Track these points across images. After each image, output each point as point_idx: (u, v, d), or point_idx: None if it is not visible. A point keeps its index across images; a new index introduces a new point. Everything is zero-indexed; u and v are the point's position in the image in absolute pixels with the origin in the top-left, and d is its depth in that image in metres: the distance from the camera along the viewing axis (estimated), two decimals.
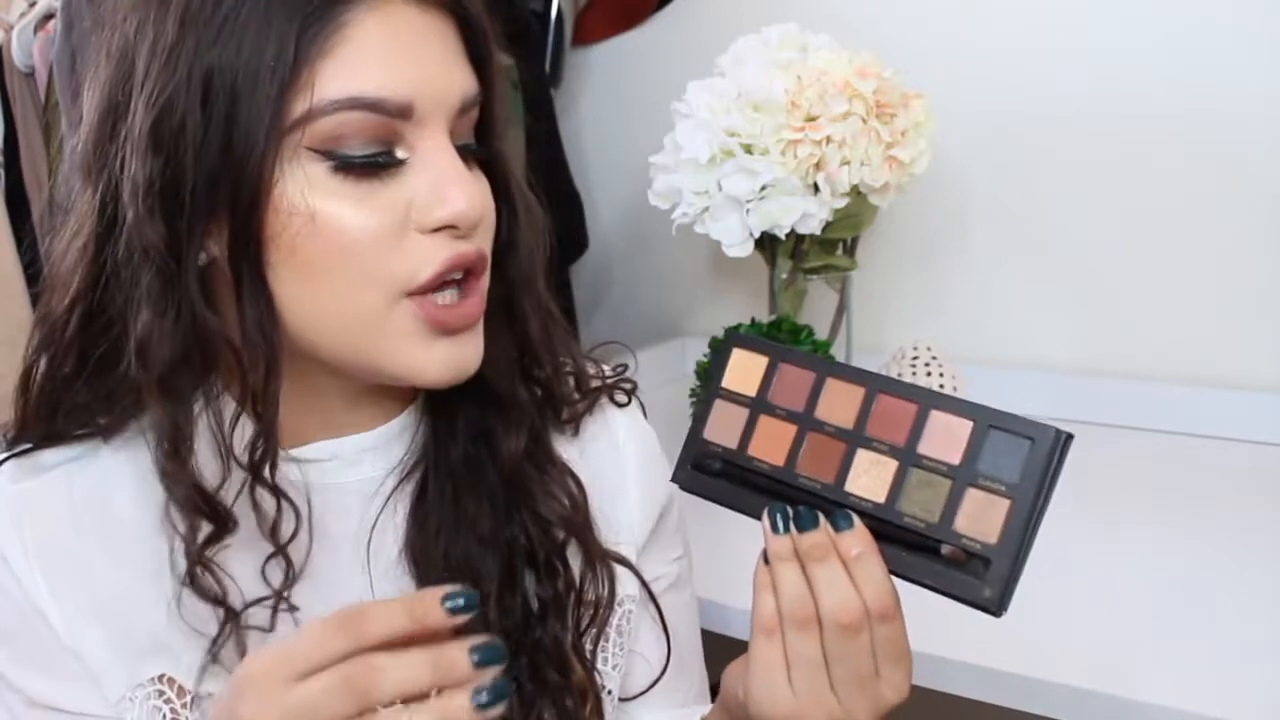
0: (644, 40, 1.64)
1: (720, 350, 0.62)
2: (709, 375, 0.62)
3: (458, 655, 0.47)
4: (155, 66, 0.57)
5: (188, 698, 0.62)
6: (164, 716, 0.62)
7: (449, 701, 0.47)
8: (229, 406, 0.61)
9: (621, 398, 0.75)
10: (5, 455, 0.64)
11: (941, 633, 0.76)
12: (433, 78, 0.59)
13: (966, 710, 0.88)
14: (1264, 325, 1.28)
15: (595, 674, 0.70)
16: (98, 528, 0.62)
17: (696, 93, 1.15)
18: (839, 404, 0.57)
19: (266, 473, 0.61)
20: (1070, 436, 0.52)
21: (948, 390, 1.22)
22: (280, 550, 0.62)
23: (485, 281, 0.63)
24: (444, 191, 0.58)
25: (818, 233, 1.15)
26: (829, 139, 1.09)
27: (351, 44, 0.57)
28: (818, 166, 1.10)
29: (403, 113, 0.57)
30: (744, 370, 0.60)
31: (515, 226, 0.67)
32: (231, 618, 0.61)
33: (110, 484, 0.63)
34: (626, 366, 0.78)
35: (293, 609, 0.63)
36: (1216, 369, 1.30)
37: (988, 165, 1.39)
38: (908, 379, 1.22)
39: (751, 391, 0.60)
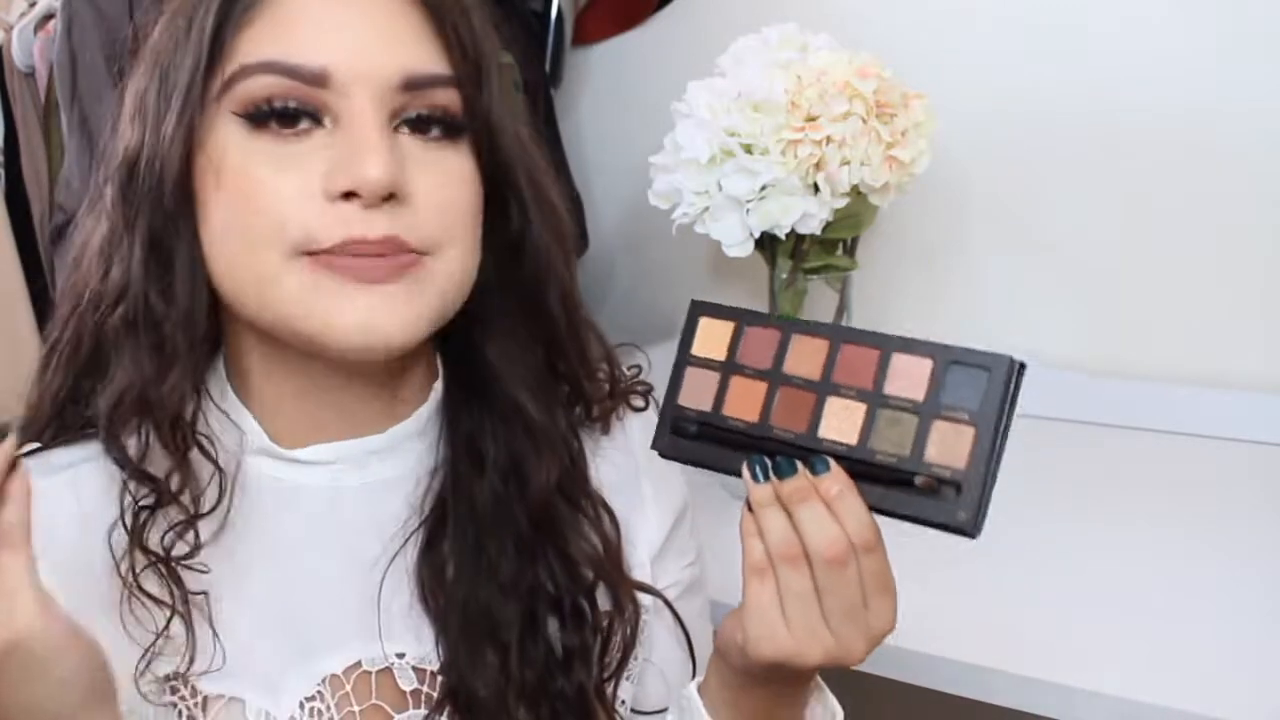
0: (644, 40, 1.64)
1: (688, 319, 0.64)
2: (679, 344, 0.64)
3: None
4: (145, 60, 0.62)
5: (200, 696, 0.62)
6: (180, 714, 0.62)
7: None
8: (174, 372, 0.62)
9: (639, 401, 0.75)
10: (17, 455, 0.64)
11: (940, 633, 0.76)
12: (362, 48, 0.59)
13: (966, 710, 0.88)
14: (1264, 325, 1.28)
15: (616, 714, 0.70)
16: (103, 528, 0.62)
17: (696, 93, 1.15)
18: (805, 358, 0.60)
19: (190, 426, 0.62)
20: (1023, 364, 0.55)
21: None
22: (194, 520, 0.62)
23: (434, 268, 0.60)
24: (354, 159, 0.57)
25: (818, 233, 1.15)
26: (829, 139, 1.09)
27: (276, 10, 0.59)
28: (818, 166, 1.10)
29: (318, 79, 0.58)
30: (711, 336, 0.63)
31: (525, 222, 0.66)
32: (170, 580, 0.61)
33: (111, 494, 0.63)
34: (640, 368, 0.78)
35: (201, 570, 0.63)
36: (1216, 369, 1.30)
37: (988, 165, 1.39)
38: None
39: (721, 355, 0.62)
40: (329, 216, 0.58)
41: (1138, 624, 0.88)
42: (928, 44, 1.39)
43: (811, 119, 1.09)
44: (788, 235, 1.15)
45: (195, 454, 0.63)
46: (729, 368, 0.62)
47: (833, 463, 0.57)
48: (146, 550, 0.62)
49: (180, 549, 0.62)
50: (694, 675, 0.72)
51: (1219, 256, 1.29)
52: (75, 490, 0.63)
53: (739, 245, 1.15)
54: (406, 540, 0.67)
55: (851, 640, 0.57)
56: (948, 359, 0.57)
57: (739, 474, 0.59)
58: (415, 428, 0.68)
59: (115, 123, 0.63)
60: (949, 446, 0.55)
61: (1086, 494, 1.16)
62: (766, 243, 1.19)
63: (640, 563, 0.72)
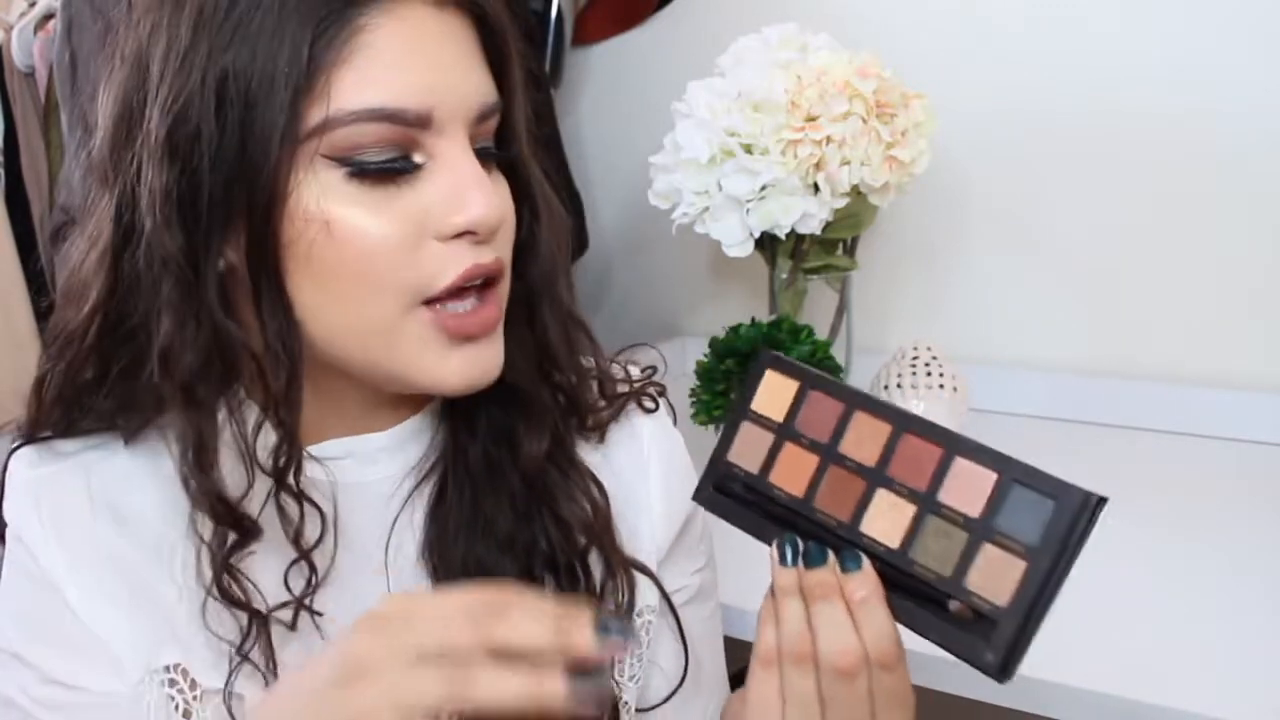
0: (644, 40, 1.64)
1: (753, 369, 0.60)
2: (739, 394, 0.60)
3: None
4: (169, 71, 0.56)
5: (199, 690, 0.62)
6: (176, 706, 0.62)
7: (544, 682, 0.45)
8: (252, 413, 0.61)
9: (650, 403, 0.74)
10: (23, 441, 0.64)
11: None
12: (451, 84, 0.58)
13: (966, 710, 0.88)
14: (1264, 325, 1.28)
15: (614, 684, 0.70)
16: (115, 518, 0.63)
17: (696, 93, 1.15)
18: (864, 439, 0.55)
19: (291, 478, 0.61)
20: (1103, 500, 0.49)
21: (947, 390, 1.22)
22: (304, 556, 0.62)
23: (504, 288, 0.63)
24: (462, 197, 0.58)
25: (818, 233, 1.15)
26: (829, 139, 1.09)
27: (369, 50, 0.56)
28: (818, 166, 1.10)
29: (421, 122, 0.57)
30: (774, 393, 0.59)
31: (537, 228, 0.66)
32: (256, 622, 0.61)
33: (129, 483, 0.63)
34: (655, 369, 0.77)
35: (315, 614, 0.63)
36: (1216, 369, 1.30)
37: (988, 165, 1.39)
38: (907, 379, 1.22)
39: (779, 416, 0.58)
40: (441, 257, 0.58)
41: (1138, 624, 0.88)
42: (928, 44, 1.39)
43: (811, 119, 1.09)
44: (788, 235, 1.15)
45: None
46: (785, 432, 0.58)
47: (866, 562, 0.53)
48: (243, 593, 0.61)
49: (297, 587, 0.62)
50: (683, 679, 0.72)
51: (1219, 256, 1.29)
52: (85, 477, 0.63)
53: (739, 245, 1.16)
54: (408, 499, 0.67)
55: None
56: (1014, 476, 0.51)
57: (770, 545, 0.55)
58: (420, 424, 0.68)
59: (149, 149, 0.57)
60: (995, 576, 0.50)
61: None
62: (766, 243, 1.19)
63: (646, 563, 0.72)
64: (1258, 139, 1.24)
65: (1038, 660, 0.83)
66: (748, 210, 1.13)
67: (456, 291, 0.59)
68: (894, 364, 1.30)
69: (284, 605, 0.62)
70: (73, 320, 0.62)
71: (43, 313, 1.38)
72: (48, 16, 1.47)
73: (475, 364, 0.61)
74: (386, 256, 0.57)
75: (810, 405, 0.57)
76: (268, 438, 0.60)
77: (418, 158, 0.58)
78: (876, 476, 0.54)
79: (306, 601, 0.62)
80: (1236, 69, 1.24)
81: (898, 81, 1.14)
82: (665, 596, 0.72)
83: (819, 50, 1.14)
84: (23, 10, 1.54)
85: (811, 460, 0.56)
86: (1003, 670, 0.49)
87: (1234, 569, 0.97)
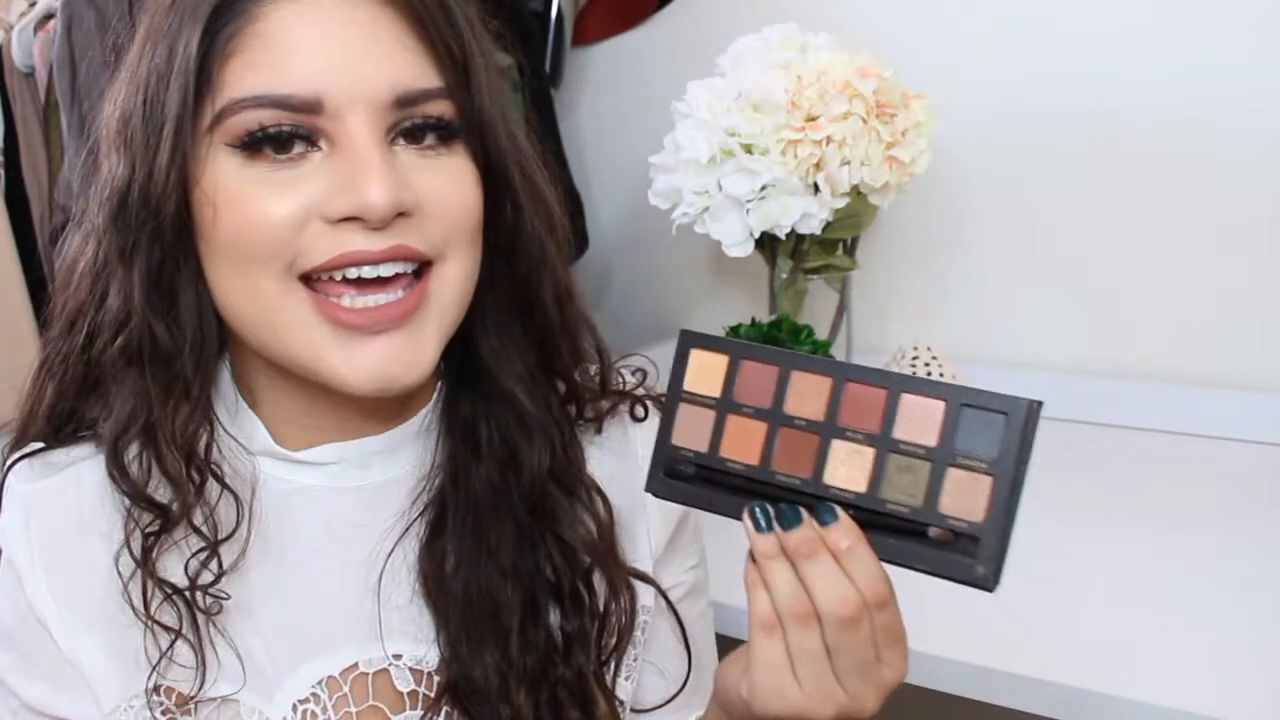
0: (644, 40, 1.64)
1: (678, 352, 0.60)
2: (670, 379, 0.60)
3: None
4: (124, 77, 0.60)
5: (190, 705, 0.62)
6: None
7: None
8: (185, 407, 0.62)
9: (640, 411, 0.74)
10: (20, 455, 0.65)
11: (942, 633, 0.76)
12: (348, 68, 0.57)
13: (967, 710, 0.88)
14: (1263, 325, 1.28)
15: (608, 684, 0.70)
16: (101, 531, 0.63)
17: (696, 93, 1.15)
18: (807, 396, 0.56)
19: (203, 458, 0.62)
20: (1040, 404, 0.52)
21: None
22: (213, 547, 0.62)
23: (437, 284, 0.61)
24: (355, 183, 0.57)
25: (818, 233, 1.15)
26: (829, 139, 1.09)
27: (260, 39, 0.57)
28: (818, 166, 1.10)
29: (310, 107, 0.57)
30: (704, 370, 0.59)
31: (521, 222, 0.65)
32: (176, 602, 0.61)
33: (110, 488, 0.63)
34: (645, 373, 0.77)
35: (220, 598, 0.63)
36: (1216, 369, 1.30)
37: (988, 165, 1.39)
38: None
39: (715, 392, 0.58)
40: (321, 239, 0.57)
41: (1138, 624, 0.88)
42: (928, 44, 1.39)
43: (811, 119, 1.09)
44: (788, 235, 1.15)
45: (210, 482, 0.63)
46: (725, 405, 0.58)
47: (841, 512, 0.54)
48: (163, 581, 0.61)
49: (204, 577, 0.62)
50: (687, 678, 0.72)
51: (1219, 256, 1.29)
52: (77, 488, 0.63)
53: (739, 245, 1.15)
54: (406, 530, 0.67)
55: (864, 694, 0.55)
56: (960, 400, 0.53)
57: (739, 519, 0.56)
58: (417, 427, 0.68)
59: (96, 143, 0.62)
60: (965, 496, 0.52)
61: (1086, 494, 1.16)
62: (766, 243, 1.19)
63: (643, 566, 0.72)
64: (1258, 139, 1.24)
65: (1037, 659, 0.83)
66: (748, 210, 1.13)
67: (349, 283, 0.58)
68: (894, 364, 1.30)
69: (200, 588, 0.62)
70: (62, 321, 0.64)
71: (43, 313, 1.38)
72: (48, 16, 1.47)
73: (378, 364, 0.59)
74: (271, 230, 0.57)
75: (744, 375, 0.58)
76: (198, 428, 0.62)
77: (322, 143, 0.58)
78: (828, 429, 0.56)
79: (207, 586, 0.62)
80: (1236, 69, 1.24)
81: (898, 81, 1.14)
82: (665, 598, 0.72)
83: (819, 50, 1.14)
84: (23, 10, 1.54)
85: (759, 427, 0.57)
86: (994, 579, 0.52)
87: (1233, 569, 0.97)
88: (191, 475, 0.61)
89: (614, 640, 0.69)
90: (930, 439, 0.53)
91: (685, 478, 0.59)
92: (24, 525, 0.62)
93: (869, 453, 0.54)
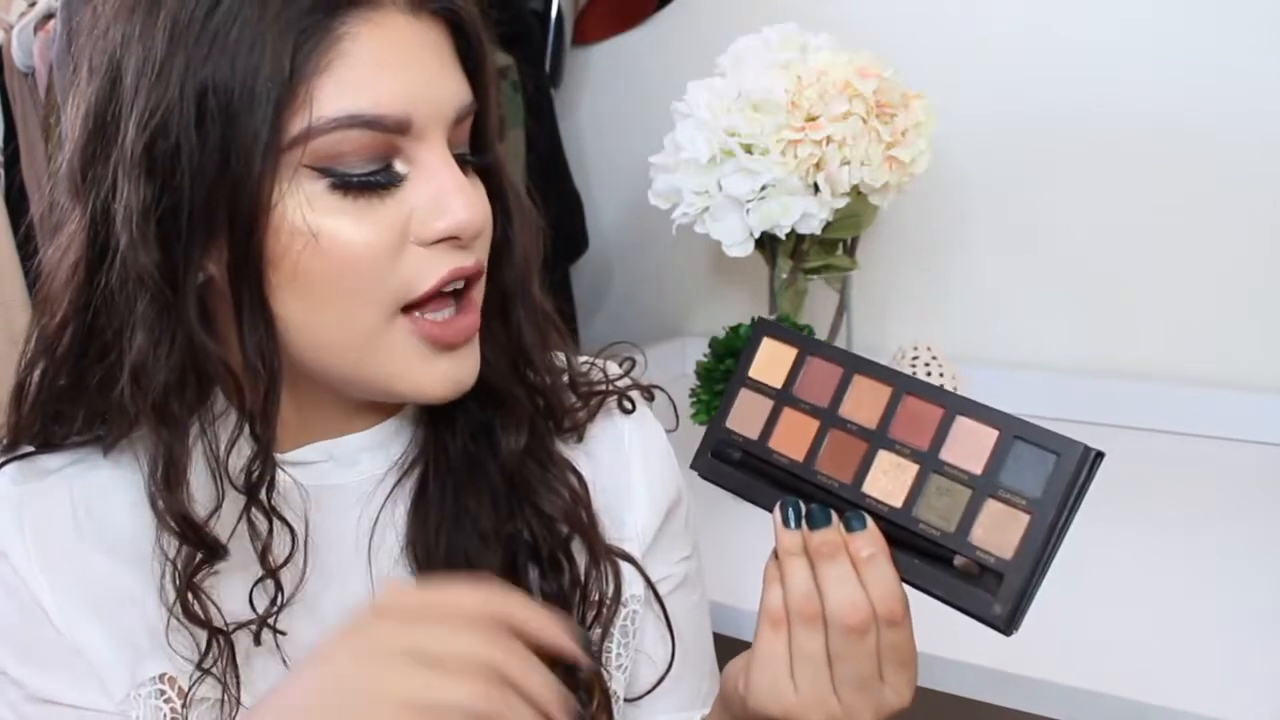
0: (644, 40, 1.64)
1: (750, 338, 0.61)
2: (737, 363, 0.61)
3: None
4: (145, 84, 0.55)
5: (189, 698, 0.62)
6: (165, 716, 0.62)
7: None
8: (226, 428, 0.60)
9: (629, 405, 0.74)
10: (8, 458, 0.64)
11: (945, 634, 0.76)
12: (429, 89, 0.58)
13: (970, 711, 0.88)
14: (1263, 325, 1.28)
15: (604, 674, 0.70)
16: (98, 532, 0.63)
17: (696, 93, 1.15)
18: (864, 402, 0.56)
19: (263, 495, 0.60)
20: (1100, 455, 0.50)
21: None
22: (270, 574, 0.62)
23: (479, 293, 0.62)
24: (444, 203, 0.58)
25: (818, 233, 1.15)
26: (829, 139, 1.09)
27: (347, 59, 0.56)
28: (818, 166, 1.10)
29: (400, 127, 0.57)
30: (772, 360, 0.59)
31: (510, 230, 0.66)
32: (217, 640, 0.61)
33: (109, 494, 0.63)
34: (633, 362, 0.77)
35: (278, 633, 0.63)
36: (1216, 369, 1.30)
37: (988, 165, 1.39)
38: None
39: (778, 383, 0.59)
40: (422, 262, 0.58)
41: (1137, 623, 0.88)
42: (928, 44, 1.39)
43: (811, 119, 1.09)
44: (788, 235, 1.15)
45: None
46: (784, 398, 0.58)
47: (870, 521, 0.53)
48: (214, 621, 0.61)
49: (261, 604, 0.62)
50: (669, 667, 0.72)
51: (1219, 256, 1.29)
52: (69, 492, 0.63)
53: (739, 245, 1.16)
54: (386, 498, 0.67)
55: (859, 711, 0.55)
56: (1015, 433, 0.52)
57: (771, 510, 0.56)
58: (401, 423, 0.69)
59: (124, 165, 0.55)
60: (999, 530, 0.51)
61: (1086, 494, 1.16)
62: (766, 243, 1.19)
63: (631, 553, 0.72)
64: (1258, 139, 1.24)
65: (1038, 660, 0.83)
66: (748, 210, 1.13)
67: (436, 297, 0.59)
68: (894, 364, 1.30)
69: (246, 624, 0.62)
70: (48, 329, 0.61)
71: None
72: (48, 16, 1.47)
73: (455, 373, 0.61)
74: (371, 264, 0.57)
75: (809, 371, 0.58)
76: (242, 451, 0.60)
77: (399, 167, 0.58)
78: (878, 438, 0.55)
79: (270, 621, 0.62)
80: (1236, 69, 1.24)
81: (898, 81, 1.14)
82: (650, 584, 0.72)
83: (819, 50, 1.14)
84: (23, 10, 1.54)
85: (812, 424, 0.57)
86: (1010, 622, 0.50)
87: (1234, 569, 0.97)
88: (254, 518, 0.60)
89: (596, 610, 0.69)
90: (976, 466, 0.52)
91: (730, 461, 0.59)
92: (18, 524, 0.62)
93: (912, 469, 0.54)
